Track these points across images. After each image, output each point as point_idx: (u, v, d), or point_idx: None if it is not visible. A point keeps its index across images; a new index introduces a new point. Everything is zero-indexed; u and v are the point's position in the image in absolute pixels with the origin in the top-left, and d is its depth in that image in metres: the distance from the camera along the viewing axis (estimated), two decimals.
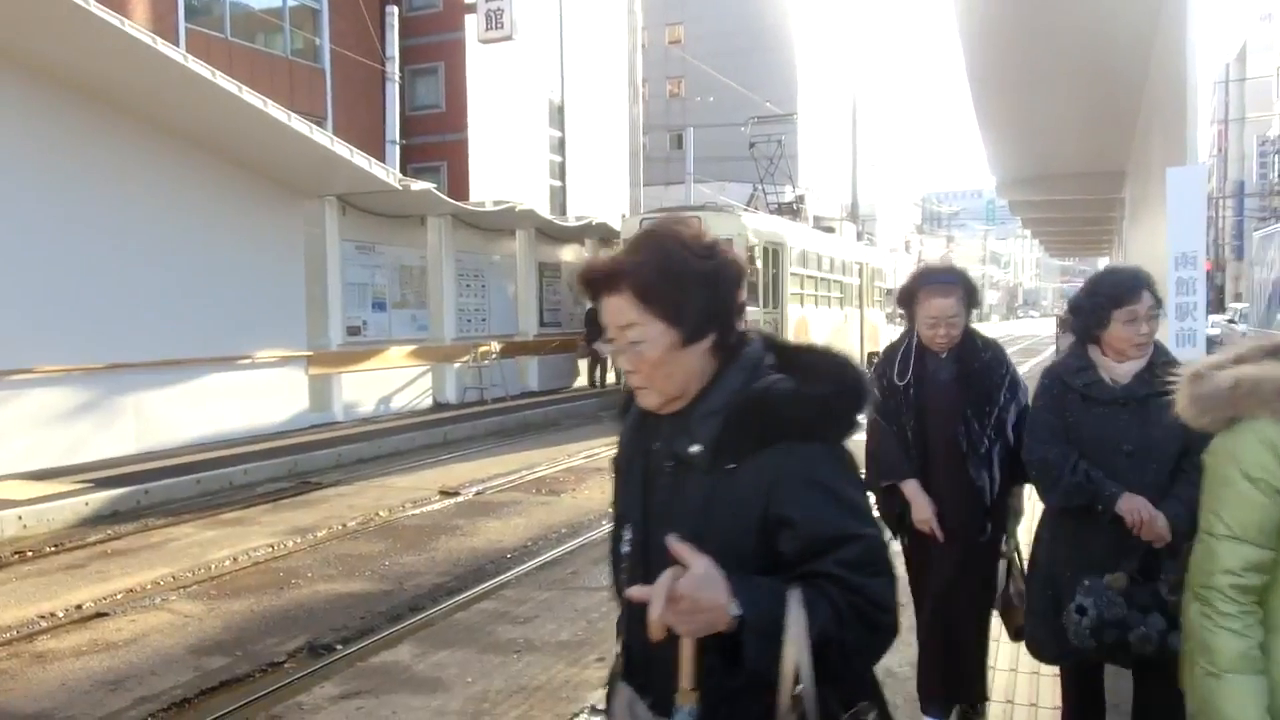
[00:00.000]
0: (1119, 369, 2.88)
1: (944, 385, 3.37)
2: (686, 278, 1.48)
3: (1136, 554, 2.79)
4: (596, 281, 1.54)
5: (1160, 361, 2.86)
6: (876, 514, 1.54)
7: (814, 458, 1.43)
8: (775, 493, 1.40)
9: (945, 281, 3.41)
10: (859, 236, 28.67)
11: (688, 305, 1.48)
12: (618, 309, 1.50)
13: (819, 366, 1.51)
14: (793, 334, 16.60)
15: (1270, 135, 43.06)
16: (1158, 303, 2.89)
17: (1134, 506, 2.74)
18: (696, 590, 1.29)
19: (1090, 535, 2.88)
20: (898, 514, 3.42)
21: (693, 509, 1.47)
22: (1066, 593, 2.86)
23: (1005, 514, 3.43)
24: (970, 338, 3.42)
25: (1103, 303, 2.86)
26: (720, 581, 1.31)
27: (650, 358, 1.49)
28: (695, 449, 1.47)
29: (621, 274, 1.51)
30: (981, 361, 3.39)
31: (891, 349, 3.55)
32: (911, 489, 3.36)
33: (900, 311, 3.56)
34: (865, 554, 1.38)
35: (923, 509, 3.34)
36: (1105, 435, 2.86)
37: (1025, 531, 3.42)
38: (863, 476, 3.07)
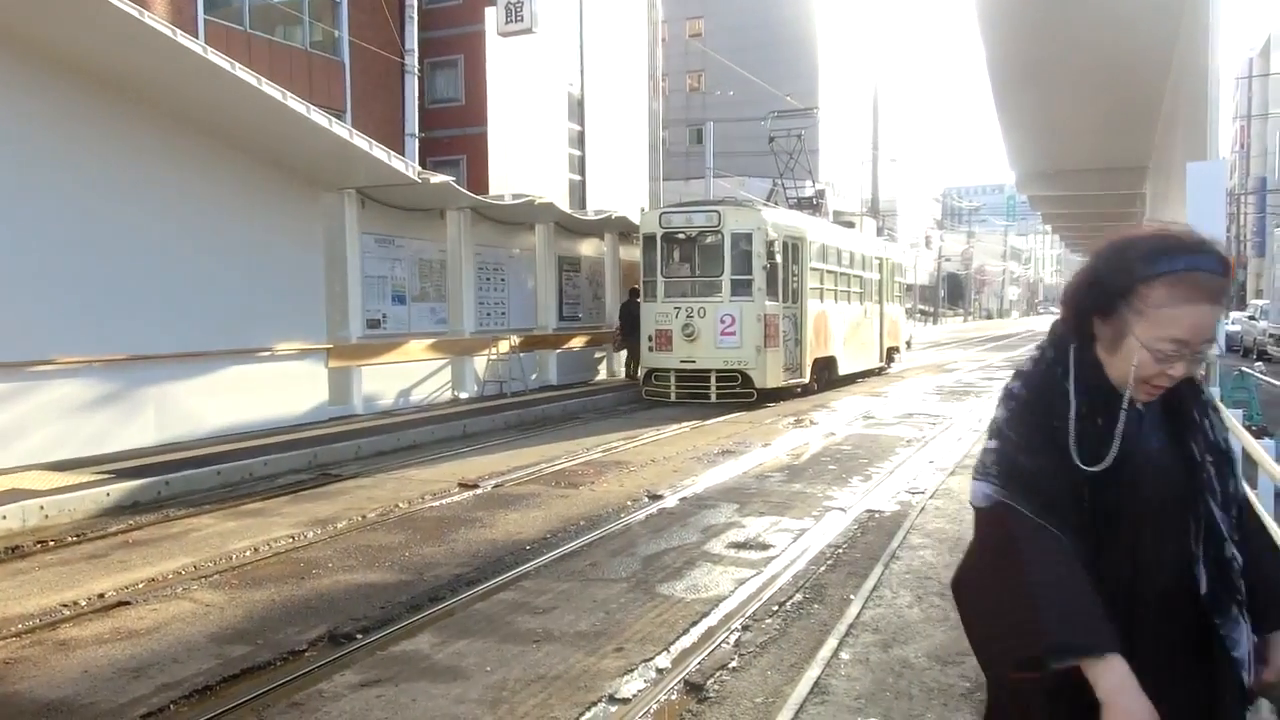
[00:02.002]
0: None
1: (1155, 460, 1.72)
2: None
3: None
4: None
5: None
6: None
7: None
8: None
9: (1214, 271, 1.62)
10: (879, 231, 28.56)
11: None
12: None
13: None
14: (812, 328, 16.58)
15: None
16: None
17: None
18: None
19: None
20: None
21: None
22: None
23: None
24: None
25: None
26: None
27: None
28: None
29: None
30: (1200, 408, 1.79)
31: (1047, 383, 1.74)
32: (1118, 676, 1.54)
33: (1063, 319, 1.79)
34: None
35: (1138, 714, 1.52)
36: None
37: None
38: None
